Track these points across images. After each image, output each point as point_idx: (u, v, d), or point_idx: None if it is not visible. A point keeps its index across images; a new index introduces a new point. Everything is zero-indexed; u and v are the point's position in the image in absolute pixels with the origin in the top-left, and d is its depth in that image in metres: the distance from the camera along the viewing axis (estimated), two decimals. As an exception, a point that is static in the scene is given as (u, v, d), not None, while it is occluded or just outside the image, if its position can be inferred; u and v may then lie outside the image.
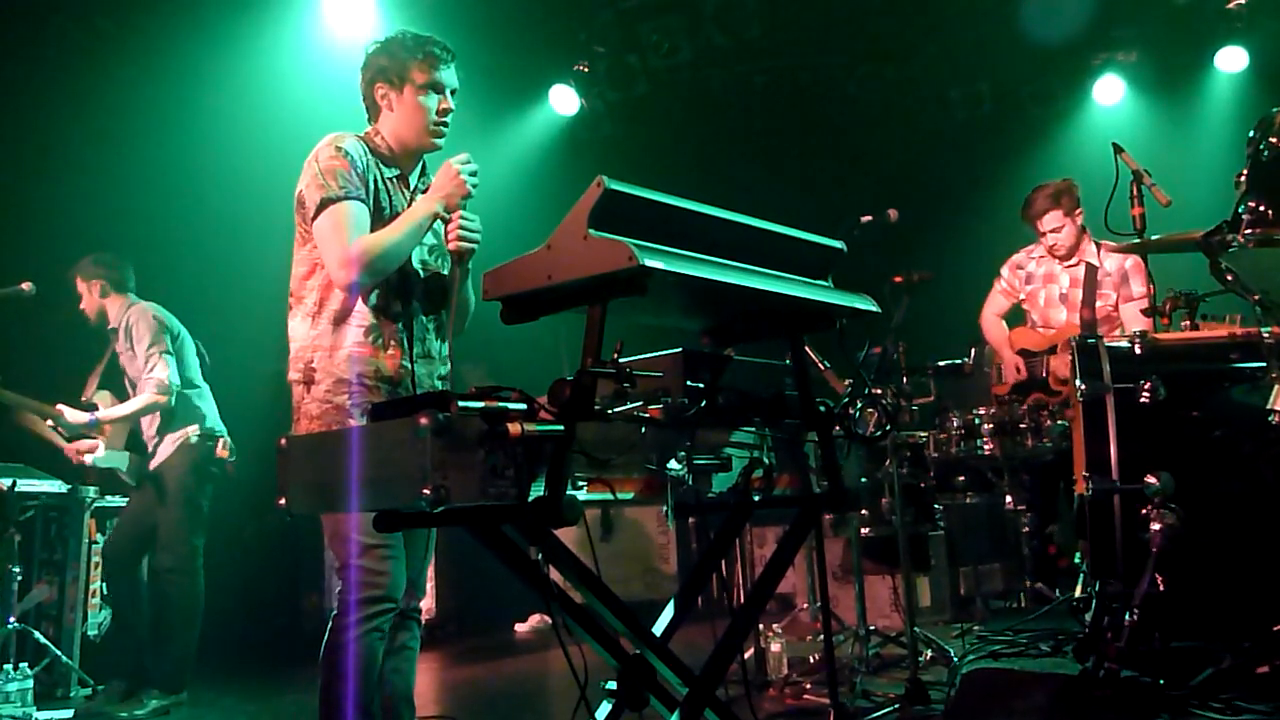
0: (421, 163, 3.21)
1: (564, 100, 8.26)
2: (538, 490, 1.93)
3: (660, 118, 8.72)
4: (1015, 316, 6.03)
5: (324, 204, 2.92)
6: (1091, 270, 5.60)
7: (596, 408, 2.00)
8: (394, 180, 3.10)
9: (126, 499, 5.62)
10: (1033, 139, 8.75)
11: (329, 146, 3.00)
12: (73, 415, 5.22)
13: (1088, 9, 7.69)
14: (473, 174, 3.01)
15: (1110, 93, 8.51)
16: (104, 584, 5.77)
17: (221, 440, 5.31)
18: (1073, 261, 5.72)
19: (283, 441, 2.12)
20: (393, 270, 2.99)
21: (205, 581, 5.23)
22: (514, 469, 1.91)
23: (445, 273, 3.17)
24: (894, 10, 7.83)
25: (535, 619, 7.38)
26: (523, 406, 1.96)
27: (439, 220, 3.05)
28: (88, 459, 5.28)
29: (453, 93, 3.14)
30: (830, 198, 7.88)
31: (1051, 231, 5.65)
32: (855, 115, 8.66)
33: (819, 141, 8.82)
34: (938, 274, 4.90)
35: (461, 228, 3.01)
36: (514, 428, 1.90)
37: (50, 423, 5.28)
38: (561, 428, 1.94)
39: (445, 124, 3.12)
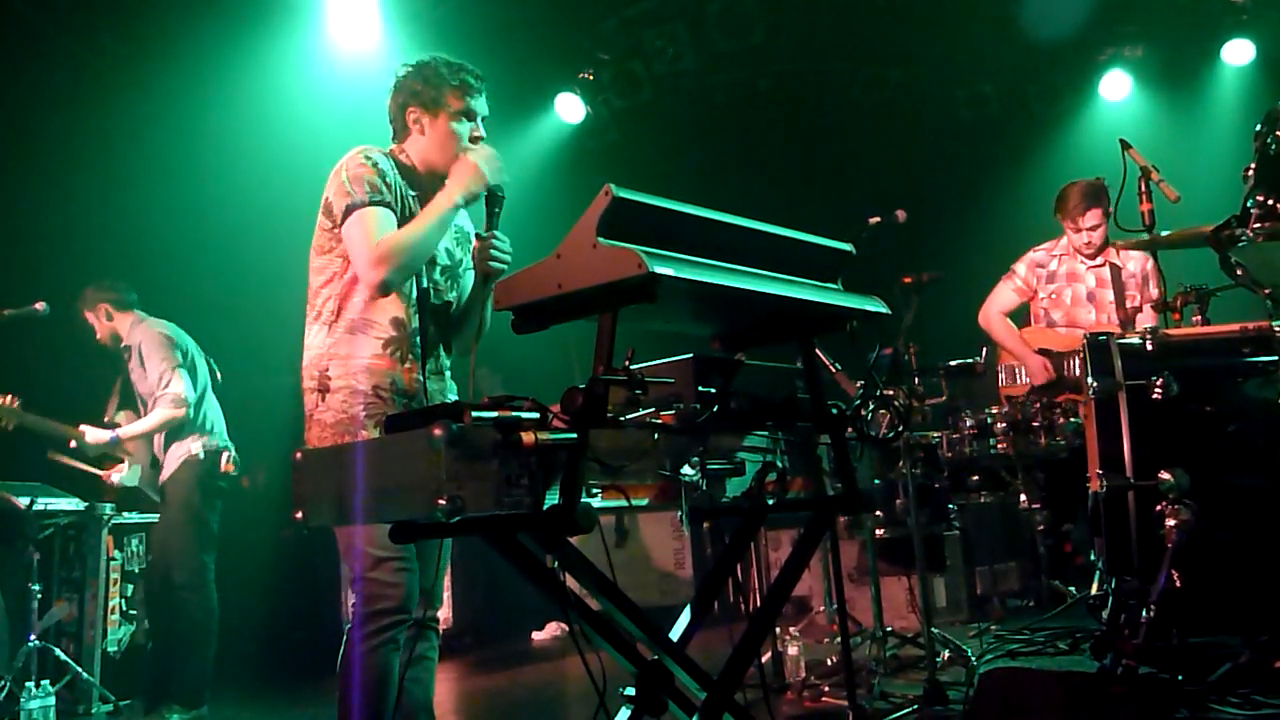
0: (442, 187, 3.23)
1: (570, 108, 8.29)
2: (552, 499, 1.94)
3: (666, 124, 8.74)
4: (1017, 316, 5.97)
5: (350, 209, 2.95)
6: (1117, 270, 5.55)
7: (609, 415, 2.01)
8: (414, 199, 3.12)
9: (144, 515, 5.66)
10: (1040, 137, 8.74)
11: (357, 155, 3.03)
12: (94, 435, 5.27)
13: (1092, 5, 7.68)
14: (490, 162, 3.01)
15: (1117, 89, 8.49)
16: (122, 600, 5.80)
17: (226, 454, 5.34)
18: (1097, 261, 5.66)
19: (298, 455, 2.13)
20: (419, 266, 3.02)
21: (224, 595, 5.27)
22: (528, 478, 1.92)
23: (451, 296, 3.19)
24: (897, 12, 7.83)
25: (553, 627, 7.39)
26: (536, 415, 1.97)
27: (457, 245, 3.09)
28: (114, 478, 5.34)
29: (483, 120, 3.17)
30: (838, 200, 7.87)
31: (1089, 229, 5.56)
32: (861, 118, 8.66)
33: (825, 144, 8.83)
34: (947, 274, 4.90)
35: (494, 248, 3.02)
36: (528, 437, 1.90)
37: (73, 443, 5.32)
38: (575, 436, 1.95)
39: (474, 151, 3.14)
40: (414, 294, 3.06)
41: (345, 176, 2.99)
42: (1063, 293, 5.76)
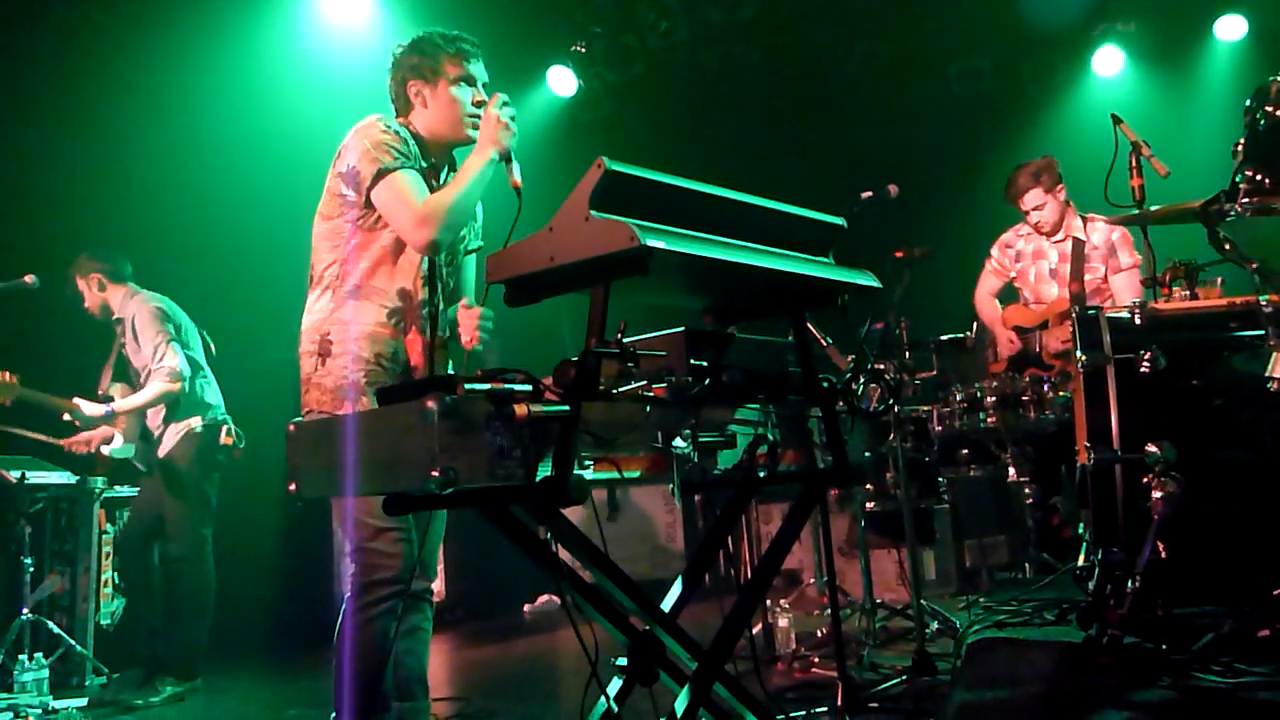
0: (450, 159, 3.24)
1: (562, 81, 8.26)
2: (545, 471, 1.95)
3: (658, 97, 8.70)
4: (1010, 294, 6.05)
5: (380, 174, 2.96)
6: (1078, 245, 5.63)
7: (601, 388, 2.03)
8: (423, 172, 3.12)
9: (136, 489, 5.67)
10: (1032, 112, 8.73)
11: (377, 122, 3.03)
12: (90, 409, 5.26)
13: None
14: (512, 117, 3.02)
15: (1109, 64, 8.48)
16: (114, 573, 5.83)
17: (225, 427, 5.35)
18: (1059, 237, 5.74)
19: (292, 427, 2.14)
20: (464, 225, 3.08)
21: (217, 567, 5.29)
22: (521, 450, 1.93)
23: (449, 273, 3.19)
24: (890, -15, 7.82)
25: (544, 599, 7.43)
26: (529, 388, 1.98)
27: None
28: (104, 449, 5.35)
29: (484, 86, 3.17)
30: (830, 174, 7.87)
31: (1034, 210, 5.68)
32: (853, 91, 8.63)
33: (817, 118, 8.80)
34: (938, 248, 4.92)
35: (480, 328, 3.05)
36: (520, 409, 1.92)
37: (67, 416, 5.31)
38: (567, 408, 1.96)
39: (479, 116, 3.14)
40: (425, 266, 3.07)
41: (369, 143, 2.98)
42: (1028, 271, 5.89)
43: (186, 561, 5.19)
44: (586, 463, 2.11)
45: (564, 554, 2.25)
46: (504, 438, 1.90)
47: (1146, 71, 8.52)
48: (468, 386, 1.89)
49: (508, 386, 1.95)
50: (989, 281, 6.10)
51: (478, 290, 3.22)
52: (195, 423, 5.26)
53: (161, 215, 6.43)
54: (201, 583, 5.23)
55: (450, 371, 3.20)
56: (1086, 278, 5.59)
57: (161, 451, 5.27)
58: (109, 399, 5.37)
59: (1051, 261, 5.77)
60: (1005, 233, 6.05)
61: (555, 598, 7.40)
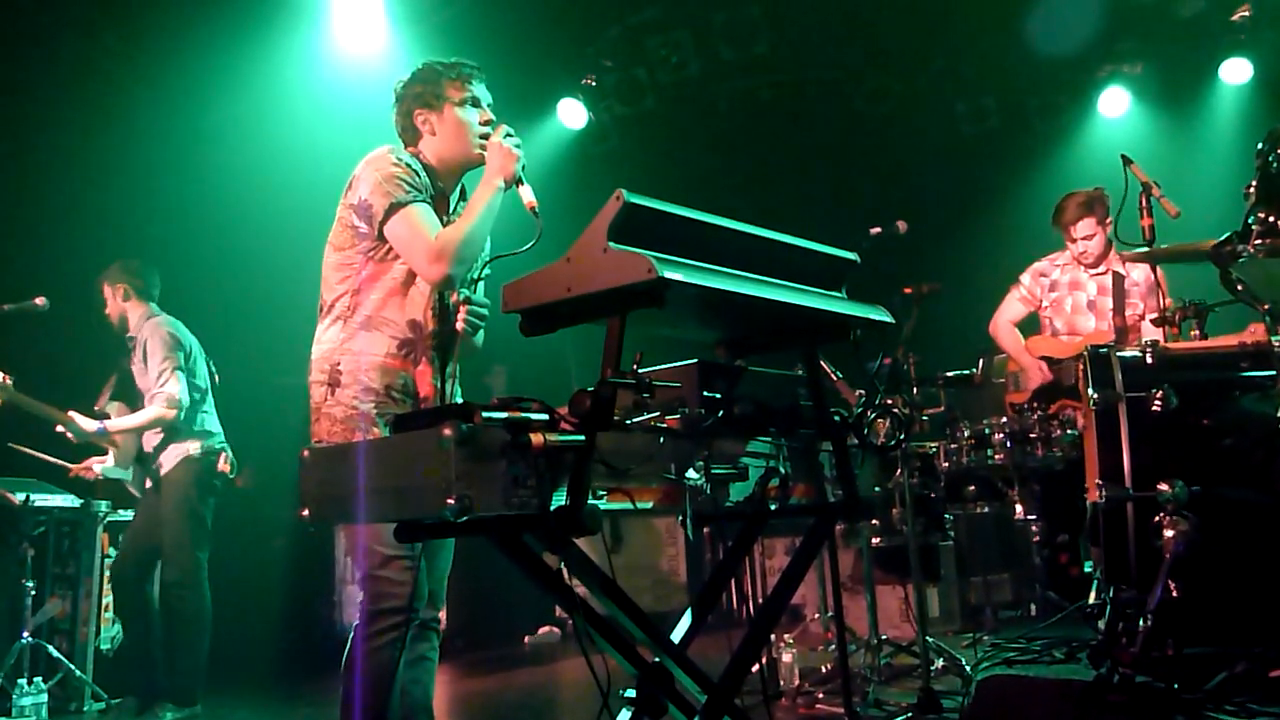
0: (460, 185, 3.26)
1: (572, 114, 8.31)
2: (559, 500, 1.95)
3: (668, 131, 8.75)
4: (1027, 326, 6.01)
5: (394, 208, 2.97)
6: (1119, 278, 5.58)
7: (616, 418, 2.03)
8: (431, 200, 3.14)
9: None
10: (1039, 151, 8.77)
11: (388, 155, 3.04)
12: (84, 423, 5.25)
13: (1093, 22, 7.72)
14: (517, 144, 3.04)
15: (1116, 105, 8.53)
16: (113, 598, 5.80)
17: (223, 455, 5.34)
18: (1100, 270, 5.70)
19: (305, 453, 2.14)
20: (477, 257, 3.06)
21: (219, 594, 5.27)
22: (536, 479, 1.93)
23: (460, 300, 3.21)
24: (900, 24, 7.86)
25: (545, 630, 7.39)
26: (544, 417, 1.98)
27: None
28: (96, 468, 5.34)
29: (489, 106, 3.20)
30: (837, 210, 7.90)
31: (1084, 239, 5.61)
32: (862, 129, 8.68)
33: (826, 155, 8.84)
34: (946, 285, 4.93)
35: (471, 312, 3.06)
36: (536, 438, 1.91)
37: (60, 428, 5.30)
38: (583, 438, 1.96)
39: (488, 136, 3.16)
40: (435, 297, 3.08)
41: (380, 176, 2.99)
42: (1064, 301, 5.80)
43: (183, 586, 5.15)
44: (600, 493, 2.10)
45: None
46: (519, 466, 1.90)
47: (1153, 113, 8.56)
48: (484, 415, 1.89)
49: (524, 415, 1.95)
50: (1013, 309, 5.99)
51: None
52: (194, 448, 5.24)
53: (171, 240, 6.45)
54: (198, 607, 5.19)
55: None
56: (1126, 312, 5.55)
57: (161, 474, 5.25)
58: (104, 416, 5.36)
59: (1090, 294, 5.71)
60: (1039, 261, 5.96)
61: (556, 629, 7.37)
